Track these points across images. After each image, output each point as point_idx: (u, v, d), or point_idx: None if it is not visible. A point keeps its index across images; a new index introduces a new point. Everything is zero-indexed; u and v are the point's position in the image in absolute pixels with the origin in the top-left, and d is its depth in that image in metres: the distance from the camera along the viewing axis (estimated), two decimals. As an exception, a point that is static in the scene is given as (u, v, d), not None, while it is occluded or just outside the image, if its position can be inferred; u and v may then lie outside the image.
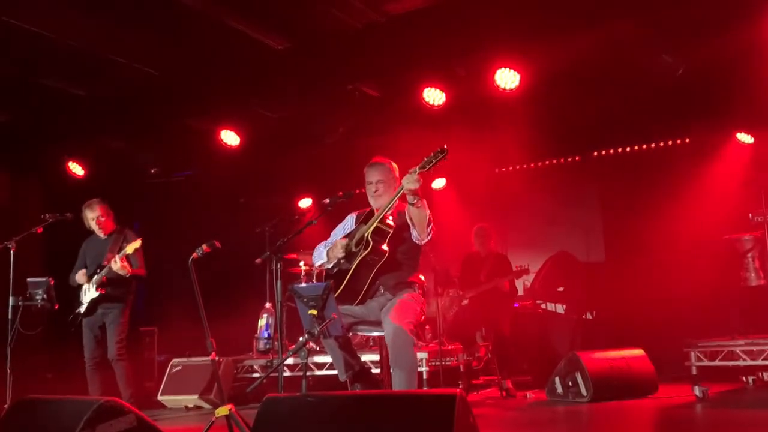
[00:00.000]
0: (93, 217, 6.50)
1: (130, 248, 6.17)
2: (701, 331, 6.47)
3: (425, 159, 4.26)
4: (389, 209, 4.62)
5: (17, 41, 6.37)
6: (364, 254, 4.58)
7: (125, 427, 3.45)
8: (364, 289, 4.57)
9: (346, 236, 4.84)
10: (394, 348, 4.34)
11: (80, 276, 6.40)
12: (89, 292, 6.33)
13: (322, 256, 4.91)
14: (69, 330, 6.43)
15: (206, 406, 7.06)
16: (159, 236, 6.58)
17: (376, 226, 4.61)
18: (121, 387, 6.27)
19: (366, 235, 4.61)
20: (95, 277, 6.31)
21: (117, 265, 6.14)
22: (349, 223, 4.96)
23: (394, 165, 4.87)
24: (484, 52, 6.81)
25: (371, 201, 4.80)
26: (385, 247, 4.57)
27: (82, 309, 6.36)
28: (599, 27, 6.34)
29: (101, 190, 7.45)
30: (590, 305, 8.84)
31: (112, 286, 6.30)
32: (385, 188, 4.75)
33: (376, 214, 4.69)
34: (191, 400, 7.11)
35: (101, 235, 6.55)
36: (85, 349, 6.39)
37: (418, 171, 4.26)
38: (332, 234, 4.97)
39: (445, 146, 4.34)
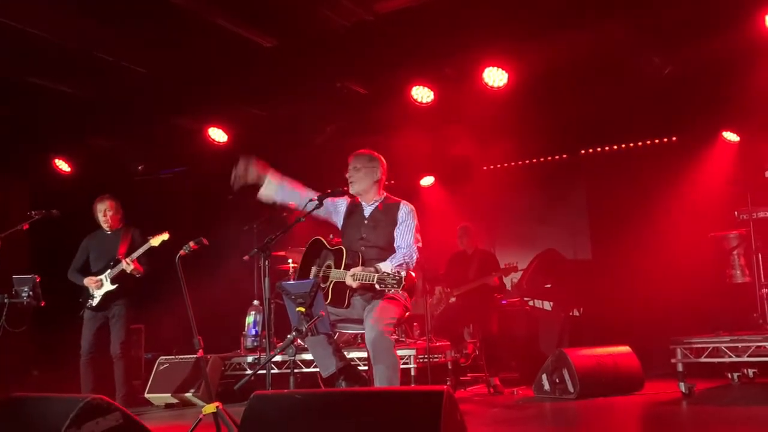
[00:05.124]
0: (101, 209, 6.65)
1: (156, 241, 6.37)
2: (687, 328, 6.50)
3: (388, 281, 4.21)
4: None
5: (3, 39, 6.32)
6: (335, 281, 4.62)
7: (111, 425, 3.43)
8: (346, 298, 4.60)
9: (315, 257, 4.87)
10: (374, 351, 4.37)
11: (88, 281, 6.49)
12: (104, 286, 6.44)
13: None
14: (74, 320, 6.55)
15: (194, 403, 7.04)
16: (146, 233, 6.58)
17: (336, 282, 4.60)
18: (117, 385, 6.41)
19: (328, 287, 4.60)
20: (109, 271, 6.43)
21: (130, 267, 6.34)
22: (341, 206, 4.95)
23: (378, 156, 4.89)
24: (473, 50, 6.83)
25: (350, 188, 4.86)
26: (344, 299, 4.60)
27: (95, 302, 6.45)
28: (587, 27, 6.38)
29: (88, 187, 7.43)
30: (577, 302, 8.88)
31: (123, 280, 6.43)
32: (360, 177, 4.80)
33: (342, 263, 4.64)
34: (178, 398, 7.09)
35: (107, 230, 6.67)
36: (84, 342, 6.45)
37: (355, 283, 4.38)
38: (324, 205, 4.85)
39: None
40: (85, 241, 6.78)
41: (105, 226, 6.68)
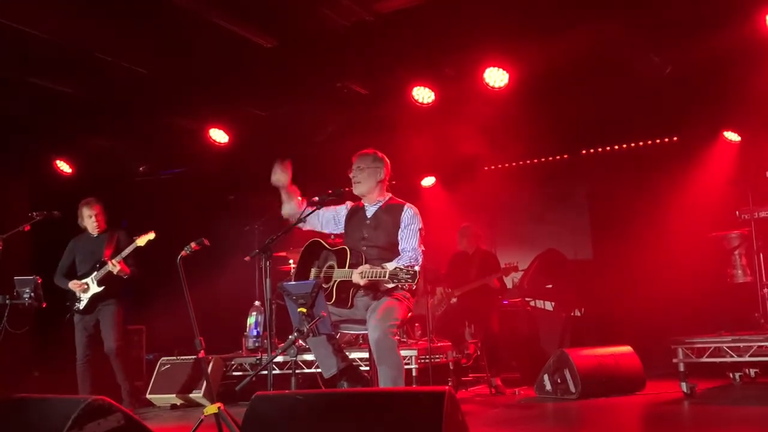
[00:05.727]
0: (90, 214, 6.64)
1: (142, 241, 6.35)
2: (688, 328, 6.50)
3: (399, 277, 4.14)
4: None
5: (3, 39, 6.32)
6: (339, 280, 4.59)
7: (113, 426, 3.43)
8: (350, 298, 4.59)
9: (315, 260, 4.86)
10: (378, 352, 4.35)
11: (73, 285, 6.46)
12: (91, 289, 6.42)
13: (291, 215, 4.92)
14: (66, 323, 6.52)
15: (195, 404, 7.04)
16: (144, 234, 6.58)
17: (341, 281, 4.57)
18: (120, 381, 6.45)
19: (331, 287, 4.57)
20: (95, 273, 6.42)
21: (116, 268, 6.31)
22: (342, 213, 4.94)
23: (382, 156, 4.87)
24: (473, 51, 6.82)
25: (354, 188, 4.84)
26: (349, 297, 4.58)
27: (82, 305, 6.43)
28: (587, 26, 6.36)
29: (89, 188, 7.42)
30: (579, 302, 8.88)
31: (110, 282, 6.42)
32: (364, 177, 4.80)
33: (347, 262, 4.59)
34: (180, 398, 7.09)
35: (94, 233, 6.65)
36: (78, 346, 6.45)
37: (363, 281, 4.35)
38: (321, 211, 4.83)
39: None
40: (71, 243, 6.76)
41: (93, 230, 6.66)
